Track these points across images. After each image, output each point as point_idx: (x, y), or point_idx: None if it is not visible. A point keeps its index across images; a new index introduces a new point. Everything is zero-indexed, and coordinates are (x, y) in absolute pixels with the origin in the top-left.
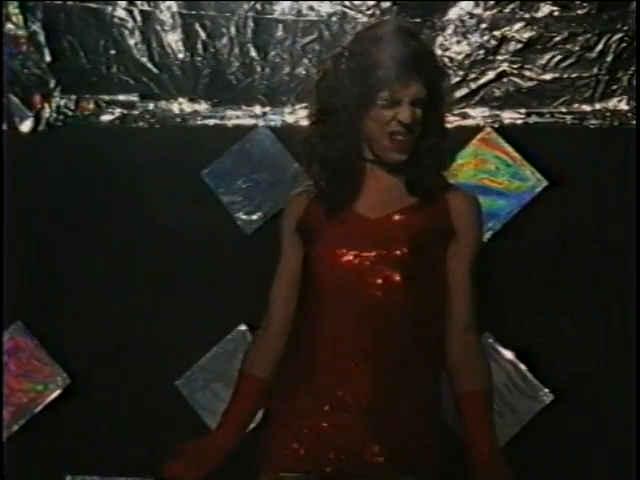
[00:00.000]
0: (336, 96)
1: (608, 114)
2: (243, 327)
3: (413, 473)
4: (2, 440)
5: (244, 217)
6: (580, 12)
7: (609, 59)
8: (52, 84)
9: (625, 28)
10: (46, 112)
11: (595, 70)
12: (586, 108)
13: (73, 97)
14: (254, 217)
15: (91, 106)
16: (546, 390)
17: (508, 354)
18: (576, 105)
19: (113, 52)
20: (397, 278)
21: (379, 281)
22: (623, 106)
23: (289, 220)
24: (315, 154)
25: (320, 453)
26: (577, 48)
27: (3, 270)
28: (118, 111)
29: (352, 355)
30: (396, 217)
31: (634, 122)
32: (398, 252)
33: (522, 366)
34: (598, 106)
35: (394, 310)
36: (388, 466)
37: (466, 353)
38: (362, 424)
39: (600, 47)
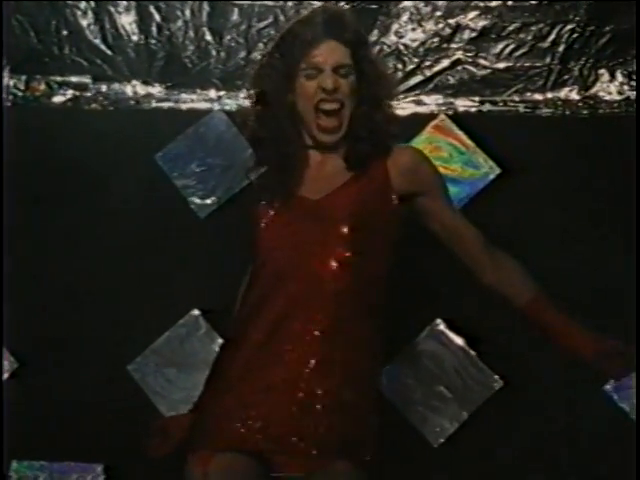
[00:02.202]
0: (268, 79)
1: (560, 103)
2: (196, 312)
3: (347, 457)
4: None
5: (198, 201)
6: (533, 2)
7: (561, 49)
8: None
9: (577, 19)
10: None
11: (547, 60)
12: (538, 97)
13: (23, 77)
14: (208, 201)
15: (42, 87)
16: (496, 376)
17: (459, 340)
18: (528, 94)
19: (65, 33)
20: (339, 255)
21: (321, 261)
22: (574, 96)
23: None
24: (251, 136)
25: (248, 434)
26: (530, 38)
27: None
28: (70, 92)
29: (286, 336)
30: (334, 195)
31: (585, 112)
32: (339, 230)
33: (472, 352)
34: (550, 95)
35: (337, 289)
36: (320, 449)
37: (504, 266)
38: (293, 406)
39: (552, 37)
